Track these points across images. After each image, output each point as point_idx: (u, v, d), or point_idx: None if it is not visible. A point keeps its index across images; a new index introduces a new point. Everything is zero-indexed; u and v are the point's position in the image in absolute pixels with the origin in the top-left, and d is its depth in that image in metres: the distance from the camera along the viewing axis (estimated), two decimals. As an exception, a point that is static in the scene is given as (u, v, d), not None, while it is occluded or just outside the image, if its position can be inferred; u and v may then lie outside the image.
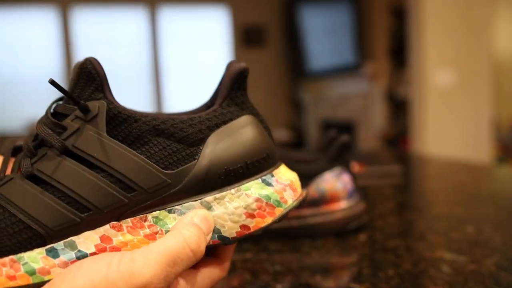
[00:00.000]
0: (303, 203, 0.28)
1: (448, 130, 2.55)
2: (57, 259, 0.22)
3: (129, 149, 0.24)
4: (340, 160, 0.48)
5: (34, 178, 0.24)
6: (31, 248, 0.23)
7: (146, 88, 4.18)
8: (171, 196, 0.24)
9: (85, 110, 0.24)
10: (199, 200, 0.24)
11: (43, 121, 0.25)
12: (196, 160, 0.25)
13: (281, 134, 4.37)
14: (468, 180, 0.74)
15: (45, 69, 3.92)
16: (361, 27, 3.32)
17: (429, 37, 2.48)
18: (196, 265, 0.25)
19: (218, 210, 0.25)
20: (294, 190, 0.27)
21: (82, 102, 0.24)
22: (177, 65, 4.22)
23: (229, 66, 0.27)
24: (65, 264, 0.22)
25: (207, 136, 0.25)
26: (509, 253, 0.39)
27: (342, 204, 0.47)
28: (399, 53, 3.23)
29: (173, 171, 0.24)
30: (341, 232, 0.47)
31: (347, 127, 3.65)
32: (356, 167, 0.79)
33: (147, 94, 4.18)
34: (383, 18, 3.33)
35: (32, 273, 0.22)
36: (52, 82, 0.23)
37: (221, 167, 0.25)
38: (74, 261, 0.22)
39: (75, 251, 0.23)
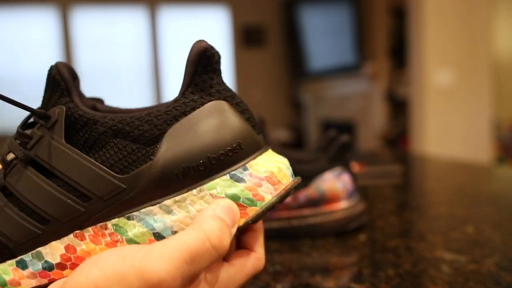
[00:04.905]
0: (286, 197, 0.24)
1: (448, 130, 2.55)
2: (25, 270, 0.23)
3: (83, 155, 0.23)
4: (340, 160, 0.48)
5: (5, 189, 0.24)
6: (3, 260, 0.23)
7: (146, 88, 4.18)
8: (127, 202, 0.22)
9: (44, 117, 0.23)
10: (157, 205, 0.22)
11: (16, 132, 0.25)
12: (151, 161, 0.22)
13: (281, 134, 4.37)
14: (468, 180, 0.74)
15: (45, 69, 3.92)
16: (361, 27, 3.32)
17: (429, 37, 2.48)
18: (226, 258, 0.24)
19: (179, 214, 0.22)
20: (274, 183, 0.23)
21: (39, 109, 0.24)
22: (177, 65, 4.22)
23: (191, 48, 0.24)
24: (34, 275, 0.23)
25: (164, 132, 0.22)
26: (509, 253, 0.39)
27: (342, 204, 0.47)
28: (399, 53, 3.23)
29: (128, 175, 0.22)
30: (341, 232, 0.47)
31: (347, 127, 3.65)
32: (356, 167, 0.79)
33: (147, 94, 4.18)
34: (383, 18, 3.33)
35: (3, 284, 0.23)
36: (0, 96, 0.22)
37: (178, 165, 0.22)
38: (41, 272, 0.22)
39: (42, 261, 0.22)
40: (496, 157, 3.18)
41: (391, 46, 3.32)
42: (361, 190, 0.70)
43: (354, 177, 0.48)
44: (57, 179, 0.23)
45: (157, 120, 0.23)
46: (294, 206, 0.46)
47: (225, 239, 0.21)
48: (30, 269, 0.23)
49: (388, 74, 3.31)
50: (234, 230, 0.22)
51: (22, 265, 0.23)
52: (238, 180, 0.23)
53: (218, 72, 0.24)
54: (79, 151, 0.23)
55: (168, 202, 0.22)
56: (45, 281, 0.23)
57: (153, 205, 0.22)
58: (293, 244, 0.44)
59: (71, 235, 0.22)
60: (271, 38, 4.46)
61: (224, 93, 0.24)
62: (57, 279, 0.22)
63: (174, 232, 0.22)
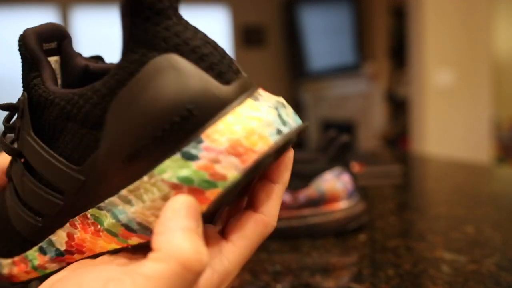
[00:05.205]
0: (257, 170, 0.18)
1: (448, 130, 2.55)
2: (46, 256, 0.23)
3: (44, 147, 0.20)
4: (340, 160, 0.47)
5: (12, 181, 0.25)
6: (30, 247, 0.24)
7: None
8: (91, 194, 0.20)
9: (12, 108, 0.22)
10: (116, 195, 0.19)
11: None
12: (100, 147, 0.19)
13: (281, 134, 4.37)
14: (468, 180, 0.74)
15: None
16: (361, 27, 3.32)
17: (429, 37, 2.48)
18: (222, 230, 0.21)
19: (137, 205, 0.19)
20: (239, 154, 0.17)
21: (13, 102, 0.22)
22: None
23: None
24: (52, 261, 0.23)
25: (105, 111, 0.18)
26: (509, 253, 0.39)
27: (342, 204, 0.47)
28: (399, 53, 3.23)
29: (83, 165, 0.19)
30: (341, 232, 0.47)
31: (347, 127, 3.65)
32: (356, 167, 0.79)
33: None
34: (383, 18, 3.33)
35: (35, 268, 0.24)
36: None
37: (122, 150, 0.18)
38: (55, 258, 0.23)
39: (54, 248, 0.23)
40: (496, 157, 3.18)
41: (391, 46, 3.32)
42: (361, 190, 0.70)
43: (354, 177, 0.48)
44: (35, 173, 0.22)
45: (96, 97, 0.18)
46: (294, 206, 0.46)
47: (203, 254, 0.17)
48: (48, 255, 0.23)
49: (388, 74, 3.31)
50: (200, 229, 0.18)
51: (43, 251, 0.23)
52: (190, 157, 0.17)
53: (164, 13, 0.18)
54: (41, 143, 0.21)
55: (124, 192, 0.19)
56: (64, 264, 0.23)
57: (112, 195, 0.19)
58: (293, 244, 0.44)
59: (68, 224, 0.22)
60: (271, 38, 4.46)
61: (172, 41, 0.18)
62: (73, 262, 0.23)
63: (139, 223, 0.19)
